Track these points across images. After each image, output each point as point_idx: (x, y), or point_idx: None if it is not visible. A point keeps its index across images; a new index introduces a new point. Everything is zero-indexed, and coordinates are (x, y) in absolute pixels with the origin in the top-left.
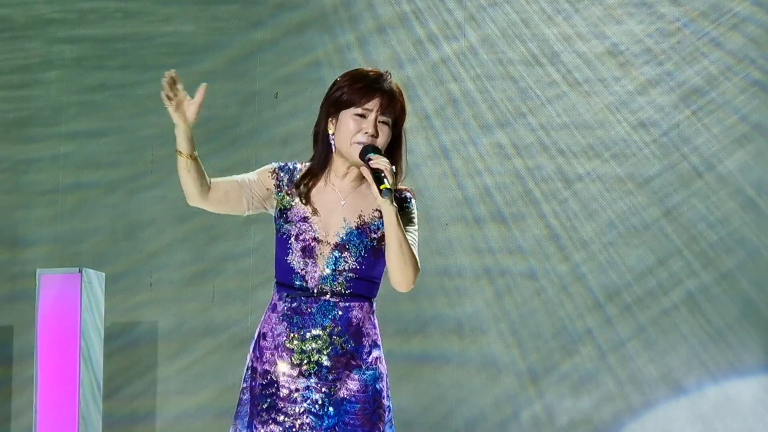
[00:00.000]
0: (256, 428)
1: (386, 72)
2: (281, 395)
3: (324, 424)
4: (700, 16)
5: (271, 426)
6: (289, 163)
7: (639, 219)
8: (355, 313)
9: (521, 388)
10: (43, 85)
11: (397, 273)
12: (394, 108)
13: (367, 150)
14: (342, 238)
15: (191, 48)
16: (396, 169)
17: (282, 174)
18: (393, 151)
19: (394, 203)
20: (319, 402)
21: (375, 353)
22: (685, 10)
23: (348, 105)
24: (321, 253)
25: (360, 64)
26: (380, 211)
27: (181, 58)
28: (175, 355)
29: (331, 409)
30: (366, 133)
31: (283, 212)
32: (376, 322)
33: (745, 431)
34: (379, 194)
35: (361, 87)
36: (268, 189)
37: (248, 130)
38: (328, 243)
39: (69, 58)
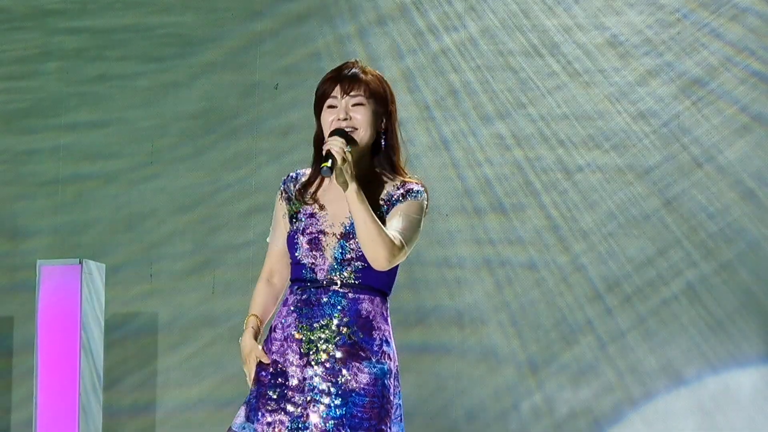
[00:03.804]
0: (264, 416)
1: (354, 60)
2: (290, 385)
3: (331, 413)
4: (700, 6)
5: (280, 416)
6: (292, 173)
7: (639, 209)
8: (365, 305)
9: (521, 379)
10: (44, 76)
11: (366, 250)
12: (359, 87)
13: (332, 133)
14: (346, 227)
15: (191, 39)
16: (395, 152)
17: (288, 184)
18: (388, 138)
19: (353, 183)
20: (326, 391)
21: (385, 349)
22: (685, 0)
23: (322, 102)
24: (327, 245)
25: (360, 55)
26: (384, 199)
27: (181, 49)
28: (175, 346)
29: (339, 400)
30: (338, 119)
31: (293, 216)
32: (389, 318)
33: (745, 421)
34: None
35: (326, 80)
36: (283, 212)
37: (248, 121)
38: (334, 234)
39: (69, 48)
